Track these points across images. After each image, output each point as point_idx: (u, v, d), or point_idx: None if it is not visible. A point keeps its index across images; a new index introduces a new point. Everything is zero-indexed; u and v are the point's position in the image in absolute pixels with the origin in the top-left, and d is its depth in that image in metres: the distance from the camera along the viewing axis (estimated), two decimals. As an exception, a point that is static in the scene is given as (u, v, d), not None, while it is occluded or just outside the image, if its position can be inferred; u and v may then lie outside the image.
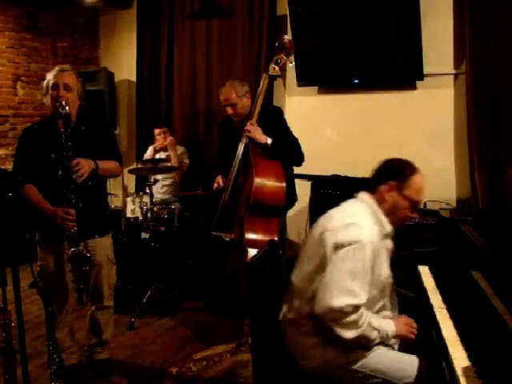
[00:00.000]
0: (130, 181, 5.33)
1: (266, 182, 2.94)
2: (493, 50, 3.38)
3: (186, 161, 4.57)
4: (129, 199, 4.29)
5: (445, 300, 1.99)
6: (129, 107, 5.56)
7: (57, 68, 2.59)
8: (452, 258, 2.36)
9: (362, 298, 1.76)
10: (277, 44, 3.15)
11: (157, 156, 4.50)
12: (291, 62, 3.21)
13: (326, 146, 4.18)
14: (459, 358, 1.50)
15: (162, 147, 4.54)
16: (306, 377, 1.90)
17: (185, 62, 4.94)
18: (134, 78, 5.36)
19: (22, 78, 5.04)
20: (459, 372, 1.43)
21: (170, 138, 4.51)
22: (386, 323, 1.85)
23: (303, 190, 3.72)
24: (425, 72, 3.69)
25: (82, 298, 2.60)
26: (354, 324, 1.76)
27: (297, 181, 3.41)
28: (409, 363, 1.81)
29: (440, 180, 3.70)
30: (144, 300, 3.61)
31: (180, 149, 4.58)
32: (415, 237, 3.26)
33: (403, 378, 1.78)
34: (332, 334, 1.78)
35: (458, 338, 1.64)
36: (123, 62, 5.53)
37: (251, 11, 4.44)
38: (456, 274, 2.18)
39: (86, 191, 2.53)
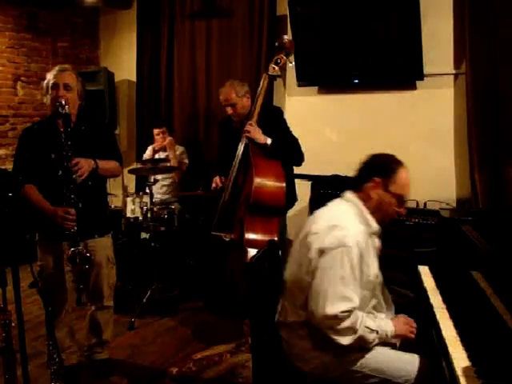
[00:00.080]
0: (130, 181, 5.33)
1: (266, 182, 2.94)
2: (493, 50, 3.38)
3: (186, 161, 4.56)
4: (129, 199, 4.29)
5: (445, 300, 1.99)
6: (129, 107, 5.56)
7: (57, 68, 2.59)
8: (452, 258, 2.36)
9: (354, 302, 1.75)
10: (277, 44, 3.15)
11: (156, 156, 4.50)
12: (291, 62, 3.22)
13: (326, 146, 4.17)
14: (459, 358, 1.50)
15: (161, 147, 4.54)
16: (306, 377, 1.90)
17: (185, 62, 4.93)
18: (134, 78, 5.36)
19: (22, 78, 5.04)
20: (459, 372, 1.43)
21: (168, 139, 4.50)
22: (385, 323, 1.85)
23: (303, 189, 3.72)
24: (425, 72, 3.69)
25: (81, 298, 2.60)
26: (350, 329, 1.75)
27: (297, 181, 3.41)
28: (409, 363, 1.81)
29: (440, 180, 3.71)
30: (144, 300, 3.61)
31: (179, 149, 4.57)
32: (415, 237, 3.27)
33: (403, 377, 1.78)
34: (328, 337, 1.78)
35: (458, 338, 1.64)
36: (123, 62, 5.53)
37: (251, 11, 4.44)
38: (456, 274, 2.18)
39: (86, 191, 2.53)
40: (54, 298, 2.53)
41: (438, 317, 1.84)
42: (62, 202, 2.45)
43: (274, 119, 3.21)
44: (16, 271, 1.90)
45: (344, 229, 1.80)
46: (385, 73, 3.89)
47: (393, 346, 1.89)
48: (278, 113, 3.35)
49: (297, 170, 3.34)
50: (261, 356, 1.92)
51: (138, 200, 4.19)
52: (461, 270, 2.13)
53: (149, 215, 3.86)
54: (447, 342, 1.63)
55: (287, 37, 3.19)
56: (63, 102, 2.45)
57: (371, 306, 1.92)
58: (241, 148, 3.10)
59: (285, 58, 3.09)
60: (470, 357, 1.51)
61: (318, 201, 3.80)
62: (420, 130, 3.84)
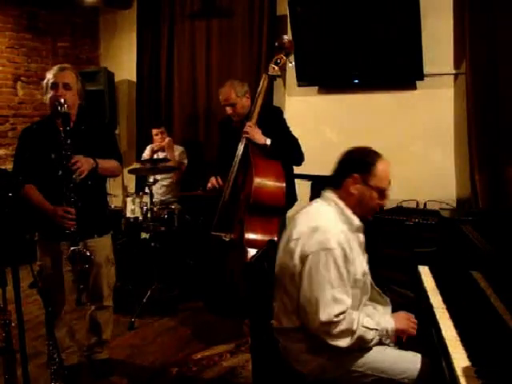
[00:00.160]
0: (130, 181, 5.33)
1: (266, 182, 2.94)
2: (493, 50, 3.38)
3: (185, 161, 4.56)
4: (129, 199, 4.29)
5: (445, 300, 1.99)
6: (129, 107, 5.56)
7: (56, 67, 2.58)
8: (452, 258, 2.36)
9: (346, 302, 1.74)
10: (277, 44, 3.15)
11: (154, 156, 4.49)
12: (291, 62, 3.22)
13: (325, 146, 4.17)
14: (459, 358, 1.50)
15: (160, 147, 4.53)
16: (305, 378, 1.90)
17: (185, 62, 4.94)
18: (134, 78, 5.36)
19: (22, 78, 5.05)
20: (459, 372, 1.43)
21: (167, 139, 4.50)
22: (385, 320, 1.84)
23: (303, 189, 3.72)
24: (425, 72, 3.69)
25: (81, 297, 2.60)
26: (347, 331, 1.74)
27: (297, 181, 3.41)
28: (410, 361, 1.80)
29: (440, 180, 3.71)
30: (144, 300, 3.61)
31: (179, 149, 4.56)
32: (415, 237, 3.27)
33: (403, 375, 1.77)
34: (327, 343, 1.76)
35: (458, 338, 1.64)
36: (123, 62, 5.53)
37: (251, 11, 4.44)
38: (456, 274, 2.18)
39: (86, 190, 2.53)
40: (54, 297, 2.53)
41: (437, 317, 1.83)
42: (61, 201, 2.45)
43: (273, 119, 3.21)
44: (16, 271, 1.89)
45: (325, 231, 1.77)
46: (385, 73, 3.89)
47: (394, 344, 1.88)
48: (278, 113, 3.35)
49: (297, 170, 3.34)
50: (260, 356, 1.92)
51: (137, 200, 4.19)
52: (461, 270, 2.13)
53: (149, 215, 3.86)
54: (447, 342, 1.62)
55: (287, 37, 3.19)
56: (62, 101, 2.44)
57: (363, 303, 1.92)
58: (240, 148, 3.10)
59: (285, 58, 3.10)
60: (470, 357, 1.51)
61: (317, 201, 3.81)
62: (420, 130, 3.84)
